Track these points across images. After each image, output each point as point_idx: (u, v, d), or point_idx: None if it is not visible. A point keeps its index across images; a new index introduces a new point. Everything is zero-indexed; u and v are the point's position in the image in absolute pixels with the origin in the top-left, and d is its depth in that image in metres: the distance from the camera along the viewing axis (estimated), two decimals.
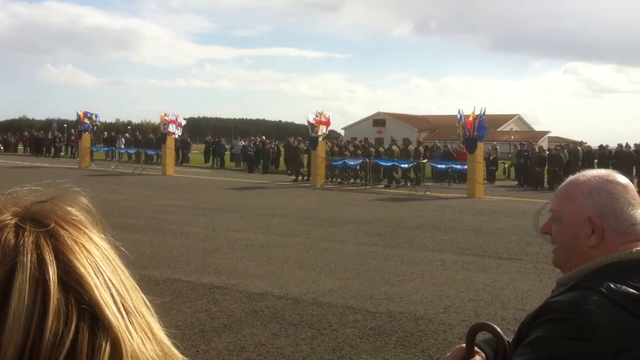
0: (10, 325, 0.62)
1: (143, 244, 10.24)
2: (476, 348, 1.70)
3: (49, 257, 0.66)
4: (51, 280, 0.64)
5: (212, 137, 42.43)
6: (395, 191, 24.03)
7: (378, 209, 17.49)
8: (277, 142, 32.33)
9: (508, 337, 1.66)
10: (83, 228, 0.71)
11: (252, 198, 19.66)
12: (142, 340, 0.69)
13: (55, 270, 0.65)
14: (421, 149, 29.83)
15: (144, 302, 0.73)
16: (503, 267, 9.31)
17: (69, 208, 0.72)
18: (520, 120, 78.26)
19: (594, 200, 1.56)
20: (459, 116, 22.32)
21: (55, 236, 0.68)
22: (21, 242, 0.66)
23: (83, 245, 0.69)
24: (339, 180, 27.72)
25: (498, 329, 1.66)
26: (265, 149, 34.48)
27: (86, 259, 0.68)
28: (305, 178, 28.58)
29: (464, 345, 1.69)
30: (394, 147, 29.10)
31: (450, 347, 4.78)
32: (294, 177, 29.68)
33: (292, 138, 33.32)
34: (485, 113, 22.07)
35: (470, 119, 21.85)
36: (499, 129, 64.44)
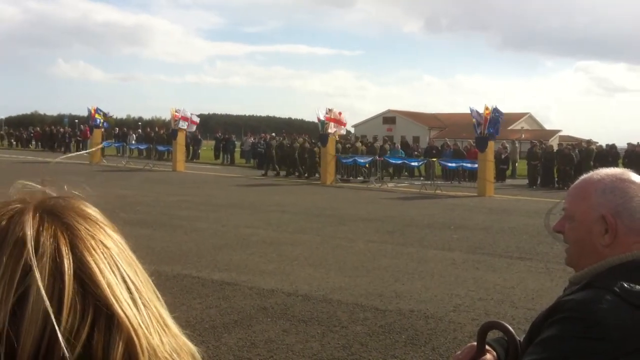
0: (29, 317, 0.63)
1: (154, 239, 10.29)
2: (487, 346, 1.70)
3: (66, 251, 0.66)
4: (67, 274, 0.65)
5: (222, 134, 42.49)
6: (406, 189, 24.00)
7: (388, 207, 17.48)
8: (281, 139, 32.25)
9: (519, 337, 1.66)
10: (98, 223, 0.72)
11: (262, 195, 19.69)
12: (158, 334, 0.70)
13: (72, 264, 0.66)
14: (387, 146, 31.55)
15: (157, 296, 0.73)
16: (513, 267, 9.29)
17: (83, 204, 0.73)
18: (531, 118, 77.87)
19: (608, 199, 1.56)
20: (473, 113, 22.14)
21: (72, 230, 0.69)
22: (39, 235, 0.67)
23: (99, 240, 0.70)
24: (346, 177, 27.70)
25: (509, 328, 1.66)
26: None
27: (102, 254, 0.69)
28: (305, 175, 28.84)
29: (475, 343, 1.69)
30: (358, 144, 29.76)
31: (460, 346, 4.79)
32: (263, 172, 30.15)
33: (282, 135, 33.84)
34: (499, 110, 21.99)
35: (487, 113, 21.65)
36: (509, 128, 64.15)
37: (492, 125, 21.81)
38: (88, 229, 0.70)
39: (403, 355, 5.48)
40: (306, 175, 28.86)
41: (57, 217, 0.69)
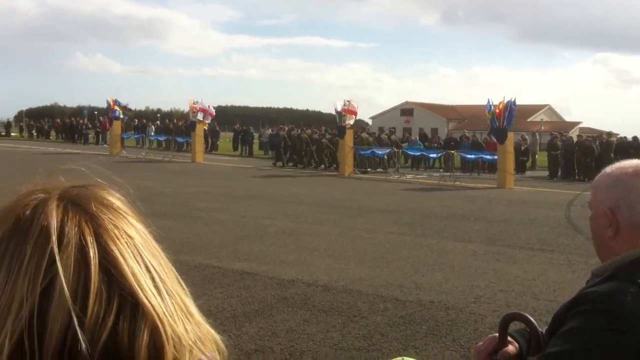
0: (56, 305, 0.64)
1: (174, 230, 10.36)
2: (509, 338, 1.69)
3: (90, 240, 0.67)
4: (92, 263, 0.66)
5: (240, 126, 42.60)
6: (424, 181, 23.92)
7: (407, 198, 17.45)
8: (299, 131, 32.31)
9: (541, 328, 1.65)
10: (122, 213, 0.73)
11: (281, 186, 19.74)
12: (182, 322, 0.70)
13: (96, 254, 0.67)
14: (394, 137, 31.53)
15: (181, 284, 0.74)
16: (534, 258, 9.24)
17: (106, 193, 0.74)
18: (550, 110, 77.11)
19: (611, 193, 1.56)
20: (488, 106, 22.04)
21: (96, 220, 0.69)
22: (64, 224, 0.67)
23: (123, 230, 0.70)
24: (364, 169, 27.68)
25: (532, 319, 1.64)
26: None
27: (126, 243, 0.69)
28: (313, 166, 29.09)
29: (497, 334, 1.69)
30: (364, 135, 29.63)
31: (481, 337, 4.77)
32: (273, 162, 30.52)
33: (287, 126, 33.93)
34: (516, 103, 21.81)
35: (500, 107, 21.53)
36: (529, 119, 63.61)
37: (509, 118, 21.64)
38: (112, 219, 0.70)
39: (424, 345, 5.49)
40: (313, 165, 28.95)
41: (81, 206, 0.70)
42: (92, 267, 0.66)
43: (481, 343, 1.72)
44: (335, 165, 28.05)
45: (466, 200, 17.00)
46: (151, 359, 0.66)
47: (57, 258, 0.65)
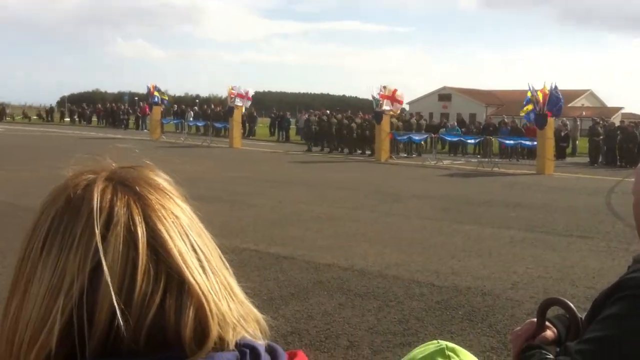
0: (105, 283, 0.66)
1: (212, 213, 10.47)
2: (547, 323, 1.68)
3: (139, 220, 0.69)
4: (141, 242, 0.68)
5: (277, 111, 42.74)
6: (462, 167, 23.70)
7: (444, 184, 17.33)
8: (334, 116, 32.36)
9: (580, 315, 1.64)
10: (168, 193, 0.75)
11: (317, 171, 19.79)
12: (226, 300, 0.73)
13: (145, 233, 0.69)
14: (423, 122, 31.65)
15: (225, 264, 0.77)
16: (573, 245, 9.12)
17: (153, 174, 0.76)
18: (592, 95, 75.36)
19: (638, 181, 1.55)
20: (530, 89, 21.59)
21: (144, 200, 0.71)
22: (113, 204, 0.70)
23: (170, 210, 0.73)
24: (401, 155, 27.57)
25: (571, 305, 1.63)
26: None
27: (173, 223, 0.71)
28: (339, 150, 29.24)
29: (535, 319, 1.68)
30: (392, 120, 29.16)
31: (518, 323, 4.74)
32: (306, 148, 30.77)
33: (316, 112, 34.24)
34: (557, 88, 21.38)
35: (545, 91, 21.09)
36: (569, 105, 62.30)
37: (552, 104, 21.20)
38: (159, 199, 0.72)
39: (460, 331, 5.48)
40: (339, 150, 28.99)
41: (129, 186, 0.72)
42: (140, 246, 0.68)
43: (519, 328, 1.71)
44: (362, 151, 28.05)
45: (504, 187, 16.81)
46: (196, 336, 0.69)
47: (108, 237, 0.68)
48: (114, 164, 0.76)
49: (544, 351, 1.60)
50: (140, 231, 0.69)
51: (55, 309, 0.66)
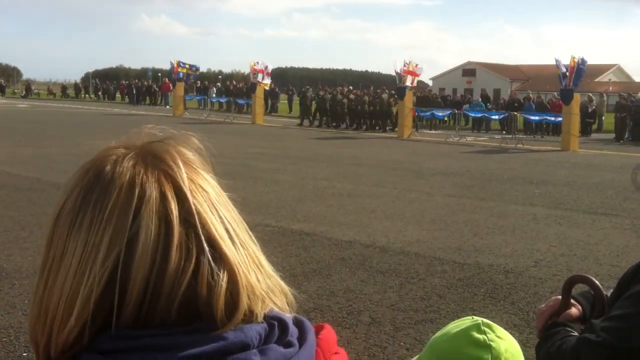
0: (139, 256, 0.67)
1: (235, 190, 10.29)
2: (572, 300, 1.67)
3: (171, 194, 0.70)
4: (174, 215, 0.69)
5: (299, 87, 42.61)
6: (485, 143, 23.50)
7: (467, 161, 17.20)
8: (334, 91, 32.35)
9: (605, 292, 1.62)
10: (196, 167, 0.75)
11: (338, 148, 19.75)
12: (254, 272, 0.74)
13: (176, 207, 0.70)
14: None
15: (252, 237, 0.78)
16: (598, 223, 9.02)
17: (182, 148, 0.76)
18: (619, 70, 74.00)
19: None
20: (558, 64, 21.19)
21: (174, 174, 0.72)
22: (145, 179, 0.70)
23: (199, 184, 0.73)
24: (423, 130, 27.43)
25: (596, 282, 1.61)
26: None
27: (202, 197, 0.72)
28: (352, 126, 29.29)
29: (560, 297, 1.67)
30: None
31: (540, 301, 4.71)
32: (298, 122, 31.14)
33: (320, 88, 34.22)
34: (585, 62, 20.99)
35: (573, 65, 20.68)
36: (596, 80, 61.31)
37: (577, 77, 20.85)
38: (188, 173, 0.73)
39: (482, 308, 5.47)
40: (354, 126, 29.06)
41: (159, 161, 0.73)
42: (174, 219, 0.69)
43: (544, 305, 1.70)
44: (376, 127, 28.04)
45: (528, 163, 16.66)
46: (227, 307, 0.70)
47: (142, 211, 0.68)
48: (143, 139, 0.77)
49: (568, 328, 1.60)
50: (173, 205, 0.70)
51: (90, 281, 0.67)
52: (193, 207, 0.71)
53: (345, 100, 29.45)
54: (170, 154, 0.74)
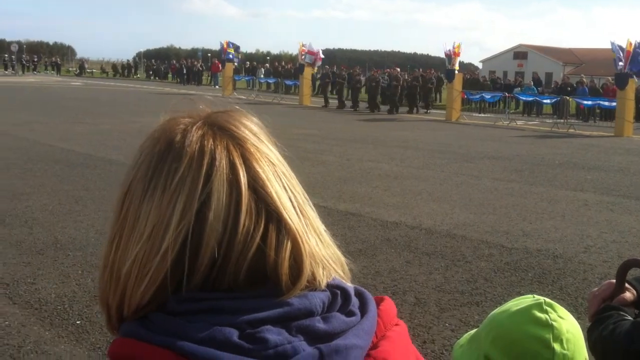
0: (211, 221, 0.69)
1: None
2: (627, 285, 1.64)
3: (239, 162, 0.72)
4: (243, 183, 0.71)
5: (347, 69, 42.43)
6: (536, 128, 23.04)
7: (517, 145, 16.92)
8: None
9: None
10: (260, 137, 0.77)
11: (385, 130, 19.65)
12: (315, 240, 0.75)
13: (245, 174, 0.72)
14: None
15: (312, 207, 0.79)
16: None
17: (246, 118, 0.79)
18: None
19: None
20: (614, 47, 20.54)
21: (242, 143, 0.74)
22: (214, 147, 0.72)
23: (264, 153, 0.75)
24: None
25: None
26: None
27: (267, 166, 0.74)
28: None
29: (614, 280, 1.64)
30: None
31: (590, 287, 4.64)
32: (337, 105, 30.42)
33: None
34: None
35: (630, 48, 20.05)
36: None
37: (634, 62, 20.20)
38: (254, 142, 0.75)
39: (529, 292, 5.36)
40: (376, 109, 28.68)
41: (226, 130, 0.75)
42: (243, 186, 0.71)
43: (597, 289, 1.67)
44: (409, 110, 27.70)
45: (580, 149, 16.28)
46: (292, 271, 0.71)
47: (212, 178, 0.70)
48: (207, 109, 0.79)
49: (622, 312, 1.57)
50: (242, 172, 0.71)
51: (164, 246, 0.69)
52: (260, 175, 0.73)
53: (397, 84, 29.01)
54: (235, 124, 0.76)
